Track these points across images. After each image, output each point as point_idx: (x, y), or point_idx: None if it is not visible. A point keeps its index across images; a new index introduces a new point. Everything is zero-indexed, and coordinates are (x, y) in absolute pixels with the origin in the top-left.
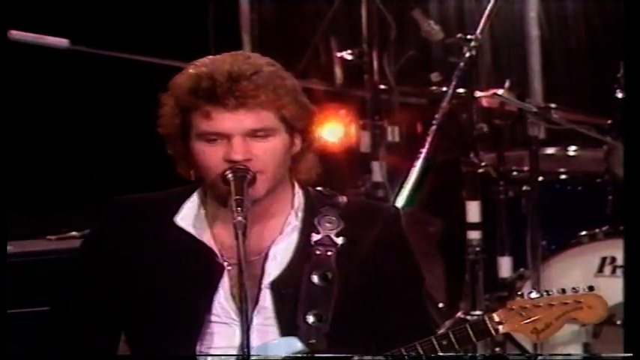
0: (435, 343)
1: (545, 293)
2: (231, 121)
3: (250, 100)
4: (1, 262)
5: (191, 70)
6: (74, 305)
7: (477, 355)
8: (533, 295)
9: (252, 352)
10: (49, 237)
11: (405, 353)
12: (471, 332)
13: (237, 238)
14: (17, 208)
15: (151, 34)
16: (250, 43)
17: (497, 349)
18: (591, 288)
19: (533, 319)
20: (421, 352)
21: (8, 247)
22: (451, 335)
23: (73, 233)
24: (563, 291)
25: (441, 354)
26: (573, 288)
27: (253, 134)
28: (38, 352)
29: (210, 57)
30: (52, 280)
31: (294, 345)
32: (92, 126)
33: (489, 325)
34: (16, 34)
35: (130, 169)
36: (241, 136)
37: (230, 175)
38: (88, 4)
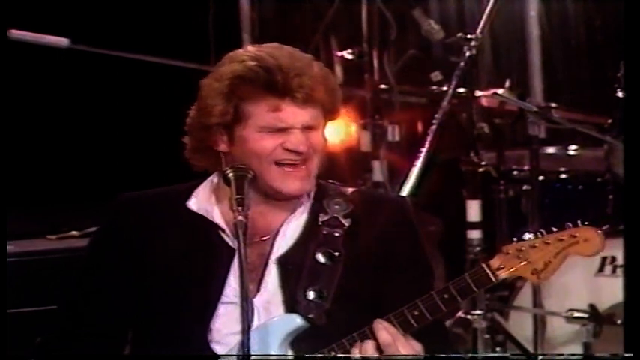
0: (436, 298)
1: (539, 234)
2: (298, 114)
3: (314, 94)
4: (1, 261)
5: (250, 62)
6: (85, 303)
7: (478, 355)
8: (527, 236)
9: (252, 333)
10: (49, 236)
11: (407, 312)
12: (470, 281)
13: (237, 237)
14: (17, 208)
15: (151, 34)
16: (250, 43)
17: (497, 348)
18: (584, 223)
19: (530, 260)
20: (424, 309)
21: (8, 247)
22: (451, 288)
23: (73, 232)
24: (558, 229)
25: (443, 355)
26: (567, 224)
27: (307, 127)
28: (46, 351)
29: (254, 49)
30: (52, 279)
31: (294, 321)
32: (92, 125)
33: (488, 272)
34: (16, 33)
35: (131, 168)
36: (299, 129)
37: (231, 175)
38: (88, 3)
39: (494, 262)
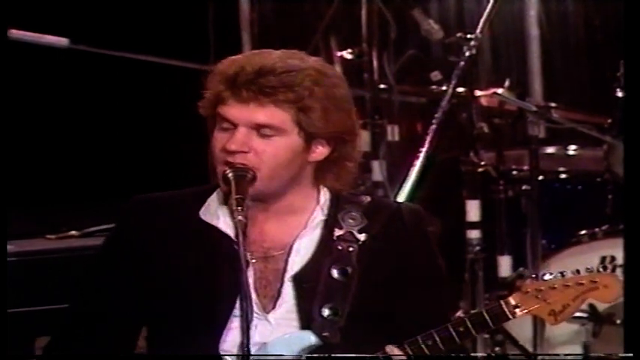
0: (451, 330)
1: (559, 274)
2: (239, 111)
3: (262, 96)
4: (1, 261)
5: (234, 57)
6: (95, 303)
7: (478, 355)
8: (548, 276)
9: (265, 348)
10: (48, 236)
11: (421, 341)
12: (487, 317)
13: (237, 237)
14: (17, 208)
15: (151, 34)
16: (250, 43)
17: (497, 348)
18: (605, 268)
19: (549, 301)
20: (438, 339)
21: (8, 247)
22: (467, 322)
23: (73, 232)
24: (578, 272)
25: (441, 355)
26: (587, 268)
27: (259, 129)
28: (56, 349)
29: (268, 50)
30: (52, 279)
31: (308, 339)
32: (92, 125)
33: (506, 310)
34: (15, 33)
35: (130, 168)
36: (246, 128)
37: (230, 174)
38: (88, 3)
39: (512, 299)
